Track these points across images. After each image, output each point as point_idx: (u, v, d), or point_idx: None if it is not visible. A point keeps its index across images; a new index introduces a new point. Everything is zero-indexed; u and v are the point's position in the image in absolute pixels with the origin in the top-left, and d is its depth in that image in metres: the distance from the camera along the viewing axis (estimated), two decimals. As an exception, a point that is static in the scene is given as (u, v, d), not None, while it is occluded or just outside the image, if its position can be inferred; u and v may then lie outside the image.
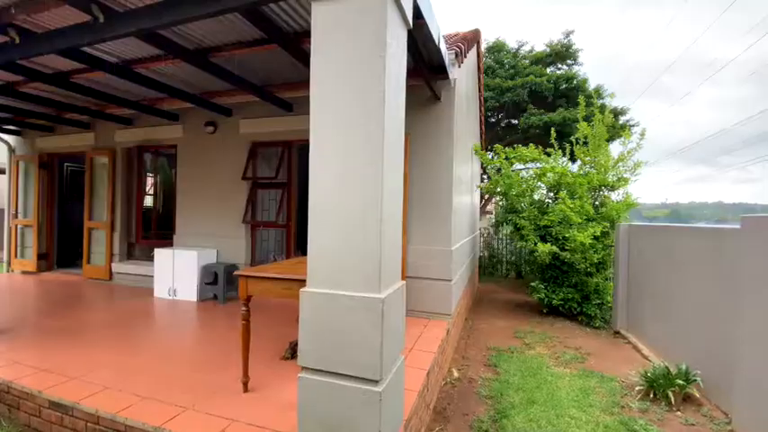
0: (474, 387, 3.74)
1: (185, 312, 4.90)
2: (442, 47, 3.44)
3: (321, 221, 1.86)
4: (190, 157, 6.07)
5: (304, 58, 3.71)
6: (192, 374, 2.99)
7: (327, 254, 1.84)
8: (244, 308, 2.70)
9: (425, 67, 3.68)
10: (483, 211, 14.09)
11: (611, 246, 6.11)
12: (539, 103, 12.72)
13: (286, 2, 2.92)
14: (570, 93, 12.66)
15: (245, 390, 2.69)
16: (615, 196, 6.72)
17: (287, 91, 5.12)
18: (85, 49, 3.78)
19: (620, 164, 6.59)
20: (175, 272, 5.43)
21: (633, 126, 13.24)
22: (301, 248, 5.96)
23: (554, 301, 6.13)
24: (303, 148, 6.01)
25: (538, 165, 6.98)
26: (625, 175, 6.56)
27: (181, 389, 2.72)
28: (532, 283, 6.45)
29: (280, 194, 5.69)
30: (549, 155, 6.90)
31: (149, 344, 3.77)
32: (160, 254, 5.55)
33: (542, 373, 4.05)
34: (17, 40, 3.25)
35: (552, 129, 7.68)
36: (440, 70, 3.96)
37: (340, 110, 1.82)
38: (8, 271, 7.60)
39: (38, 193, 7.42)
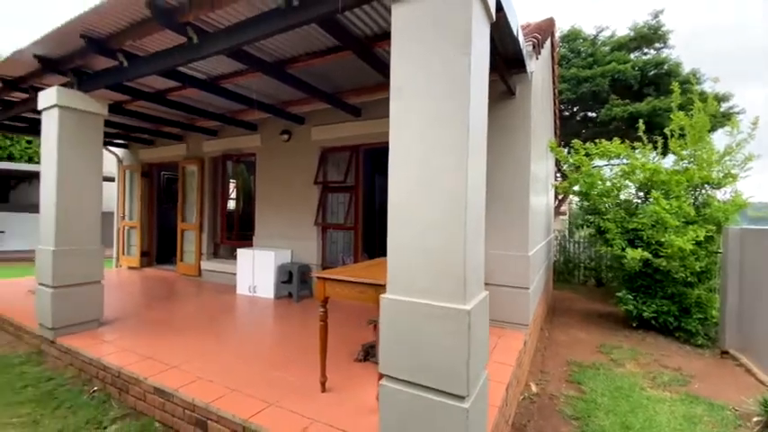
0: (556, 404, 3.45)
1: (264, 309, 5.22)
2: (521, 38, 3.23)
3: (401, 226, 1.82)
4: (267, 164, 6.47)
5: (374, 61, 3.73)
6: (273, 370, 3.15)
7: (408, 260, 1.79)
8: (321, 309, 2.76)
9: (501, 60, 3.48)
10: (556, 212, 13.15)
11: (718, 252, 5.29)
12: (622, 93, 11.55)
13: (360, 8, 2.94)
14: (660, 79, 11.30)
15: (323, 389, 2.76)
16: (720, 195, 5.82)
17: (355, 96, 5.22)
18: (180, 68, 4.19)
19: (727, 158, 5.69)
20: (255, 270, 5.82)
21: (738, 114, 11.44)
22: (367, 250, 6.04)
23: (645, 314, 5.47)
24: (369, 151, 6.09)
25: (624, 161, 6.30)
26: (733, 171, 5.65)
27: (264, 384, 2.87)
28: (619, 293, 5.82)
29: (348, 197, 5.82)
30: (635, 149, 6.19)
31: (235, 338, 4.07)
32: (242, 254, 6.00)
33: (636, 395, 3.61)
34: (125, 64, 3.70)
35: (640, 120, 6.88)
36: (516, 64, 3.73)
37: (421, 111, 1.76)
38: (117, 266, 8.77)
39: (140, 199, 8.47)
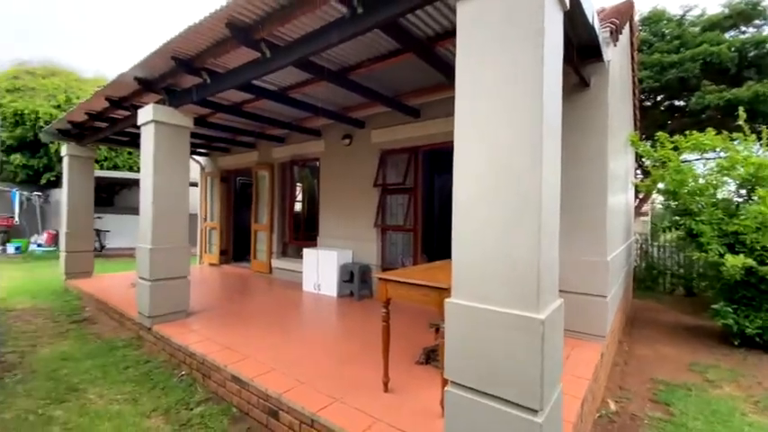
0: (638, 426, 3.12)
1: (328, 306, 5.43)
2: (596, 25, 2.99)
3: (467, 228, 1.77)
4: (330, 168, 6.74)
5: (435, 61, 3.70)
6: (338, 366, 3.25)
7: (474, 264, 1.74)
8: (384, 310, 2.80)
9: (574, 49, 3.25)
10: (637, 213, 11.94)
11: None
12: (715, 78, 10.15)
13: (422, 9, 2.94)
14: (762, 60, 9.75)
15: (386, 389, 2.79)
16: None
17: (415, 97, 5.22)
18: (254, 81, 4.52)
19: None
20: (319, 269, 6.08)
21: None
22: (426, 252, 6.00)
23: (747, 330, 4.74)
24: (429, 152, 6.05)
25: (721, 155, 5.53)
26: None
27: (330, 379, 2.98)
28: (715, 305, 5.10)
29: (407, 199, 5.84)
30: (734, 141, 5.39)
31: (303, 332, 4.29)
32: (307, 253, 6.31)
33: (736, 421, 3.14)
34: (208, 80, 4.08)
35: (740, 108, 5.98)
36: (591, 52, 3.46)
37: (490, 108, 1.70)
38: (200, 263, 9.71)
39: (219, 202, 9.31)
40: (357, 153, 6.30)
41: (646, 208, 13.54)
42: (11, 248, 11.50)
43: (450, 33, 3.38)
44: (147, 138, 4.49)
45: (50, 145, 12.43)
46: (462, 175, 1.80)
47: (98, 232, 11.80)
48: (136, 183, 14.31)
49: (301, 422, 2.55)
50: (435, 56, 3.68)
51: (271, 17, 3.03)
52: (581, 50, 3.45)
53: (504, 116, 1.66)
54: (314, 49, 3.07)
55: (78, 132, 7.01)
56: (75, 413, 2.93)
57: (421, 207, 5.89)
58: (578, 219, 3.78)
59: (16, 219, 12.22)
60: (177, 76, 4.18)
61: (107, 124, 6.33)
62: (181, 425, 2.80)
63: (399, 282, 2.66)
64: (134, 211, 13.68)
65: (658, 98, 11.49)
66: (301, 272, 6.57)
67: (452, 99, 1.86)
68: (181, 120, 4.59)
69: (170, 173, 4.53)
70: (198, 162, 9.74)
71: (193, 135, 7.07)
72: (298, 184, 8.44)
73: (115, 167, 14.28)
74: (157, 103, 4.50)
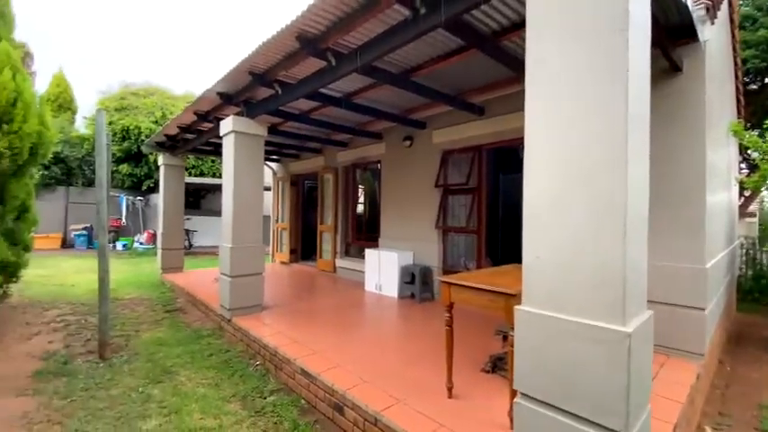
0: (748, 461, 2.68)
1: (389, 307, 5.49)
2: (689, 2, 2.64)
3: (540, 230, 1.66)
4: (391, 170, 6.82)
5: (501, 56, 3.56)
6: (400, 367, 3.27)
7: (547, 269, 1.63)
8: (447, 314, 2.75)
9: (662, 30, 2.90)
10: (742, 213, 10.32)
11: None
12: None
13: (486, 3, 2.84)
14: None
15: (450, 395, 2.73)
16: None
17: (479, 95, 5.07)
18: (321, 90, 4.73)
19: None
20: (381, 270, 6.18)
21: None
22: (491, 255, 5.77)
23: None
24: (493, 151, 5.82)
25: None
26: None
27: (393, 379, 3.00)
28: None
29: (470, 200, 5.68)
30: None
31: (366, 331, 4.39)
32: (369, 254, 6.44)
33: None
34: (280, 92, 4.37)
35: None
36: (683, 33, 3.07)
37: (566, 101, 1.58)
38: (272, 261, 10.41)
39: (289, 204, 9.90)
40: (418, 154, 6.29)
41: (753, 207, 11.64)
42: (119, 246, 13.38)
43: (517, 25, 3.22)
44: (228, 146, 4.93)
45: (149, 156, 14.23)
46: (534, 172, 1.69)
47: (187, 232, 13.21)
48: (218, 188, 15.80)
49: (365, 420, 2.60)
50: (501, 50, 3.53)
51: (336, 26, 3.15)
52: (671, 31, 3.07)
53: (582, 110, 1.53)
54: (377, 53, 3.13)
55: (172, 144, 7.94)
56: (168, 393, 3.30)
57: (485, 208, 5.69)
58: (672, 220, 3.35)
59: (123, 220, 14.19)
60: (253, 89, 4.53)
61: (195, 135, 7.08)
62: (255, 411, 3.02)
63: (464, 286, 2.59)
64: (217, 213, 15.16)
65: (766, 80, 9.80)
66: (363, 271, 6.72)
67: (520, 94, 1.76)
68: (256, 129, 4.97)
69: (247, 178, 4.92)
70: (271, 168, 10.47)
71: (267, 143, 7.59)
72: (359, 186, 8.66)
73: (201, 174, 15.89)
74: (236, 114, 4.93)
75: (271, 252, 10.52)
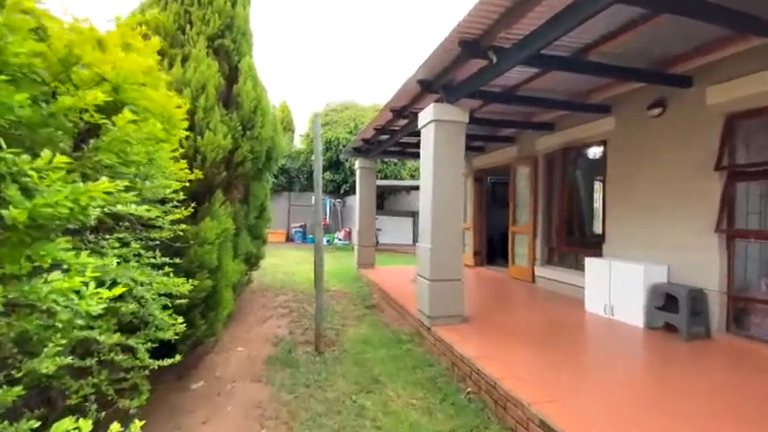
0: None
1: (630, 341, 3.98)
2: None
3: None
4: (623, 153, 5.12)
5: None
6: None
7: None
8: None
9: None
10: None
11: None
12: None
13: None
14: None
15: None
16: None
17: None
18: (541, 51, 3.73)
19: None
20: (612, 287, 4.64)
21: None
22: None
23: None
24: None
25: None
26: None
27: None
28: None
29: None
30: None
31: (614, 373, 3.15)
32: (592, 263, 4.98)
33: None
34: (494, 60, 3.58)
35: None
36: None
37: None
38: (455, 263, 9.88)
39: (473, 202, 9.14)
40: (675, 125, 4.44)
41: None
42: (324, 241, 15.60)
43: None
44: (428, 138, 4.48)
45: (345, 163, 16.11)
46: None
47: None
48: (400, 189, 16.64)
49: None
50: None
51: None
52: None
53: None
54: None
55: (366, 148, 8.36)
56: (380, 408, 2.96)
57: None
58: None
59: (328, 219, 16.51)
60: (457, 67, 3.92)
61: (387, 137, 7.15)
62: (484, 467, 2.30)
63: None
64: (397, 213, 16.07)
65: None
66: (577, 285, 5.29)
67: None
68: (458, 115, 4.36)
69: (447, 172, 4.37)
70: (455, 164, 9.98)
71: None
72: (570, 179, 7.08)
73: (385, 177, 17.06)
74: (436, 102, 4.44)
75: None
